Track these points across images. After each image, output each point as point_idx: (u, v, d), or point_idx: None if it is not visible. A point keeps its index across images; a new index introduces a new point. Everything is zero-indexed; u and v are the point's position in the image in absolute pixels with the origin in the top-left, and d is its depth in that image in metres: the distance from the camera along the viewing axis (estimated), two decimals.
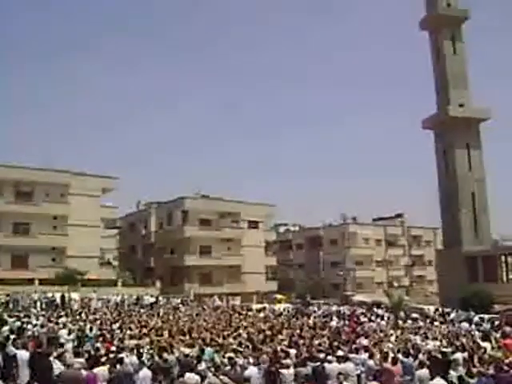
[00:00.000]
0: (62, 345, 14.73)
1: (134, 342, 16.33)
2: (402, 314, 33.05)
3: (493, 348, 15.39)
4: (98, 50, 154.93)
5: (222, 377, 11.30)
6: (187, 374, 11.36)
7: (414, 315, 32.41)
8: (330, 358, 13.35)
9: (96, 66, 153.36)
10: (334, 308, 41.75)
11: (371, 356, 13.70)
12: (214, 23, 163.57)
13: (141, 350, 14.22)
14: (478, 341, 16.56)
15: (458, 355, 13.43)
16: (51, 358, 12.51)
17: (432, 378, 10.96)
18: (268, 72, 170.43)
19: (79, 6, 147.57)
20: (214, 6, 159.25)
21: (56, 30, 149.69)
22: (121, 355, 13.02)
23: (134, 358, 12.99)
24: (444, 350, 14.75)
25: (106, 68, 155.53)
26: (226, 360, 13.21)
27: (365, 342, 16.67)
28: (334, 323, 26.50)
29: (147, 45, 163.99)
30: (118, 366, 11.88)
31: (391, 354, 13.52)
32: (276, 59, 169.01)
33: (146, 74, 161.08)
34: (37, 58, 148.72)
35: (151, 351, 14.79)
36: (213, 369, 12.27)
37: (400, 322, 27.32)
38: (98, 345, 15.97)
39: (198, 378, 11.22)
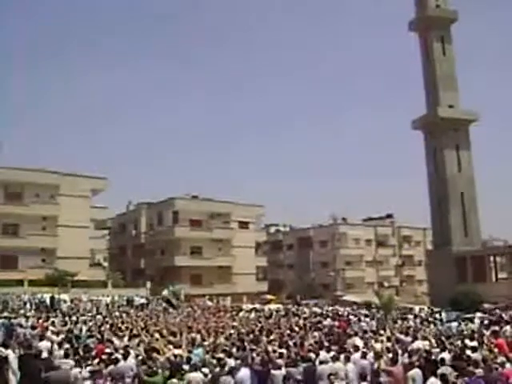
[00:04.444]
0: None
1: (124, 343, 16.32)
2: (391, 313, 33.16)
3: (482, 347, 15.47)
4: (95, 48, 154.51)
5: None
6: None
7: (404, 315, 32.51)
8: (321, 358, 13.40)
9: (92, 65, 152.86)
10: (325, 308, 41.84)
11: (363, 356, 13.74)
12: (213, 23, 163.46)
13: (130, 351, 14.19)
14: (467, 341, 16.64)
15: (446, 355, 13.50)
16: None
17: (426, 379, 11.04)
18: (262, 71, 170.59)
19: (79, 5, 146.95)
20: (215, 5, 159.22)
21: (51, 30, 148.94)
22: (115, 355, 13.05)
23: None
24: (432, 349, 14.82)
25: (103, 67, 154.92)
26: (214, 361, 13.24)
27: (357, 341, 16.71)
28: (325, 323, 26.53)
29: (144, 44, 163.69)
30: (111, 367, 11.89)
31: (388, 355, 13.57)
32: (270, 58, 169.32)
33: (142, 72, 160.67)
34: (31, 57, 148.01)
35: (141, 352, 14.75)
36: (204, 369, 12.30)
37: (390, 322, 27.39)
38: (90, 346, 15.95)
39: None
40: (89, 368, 11.69)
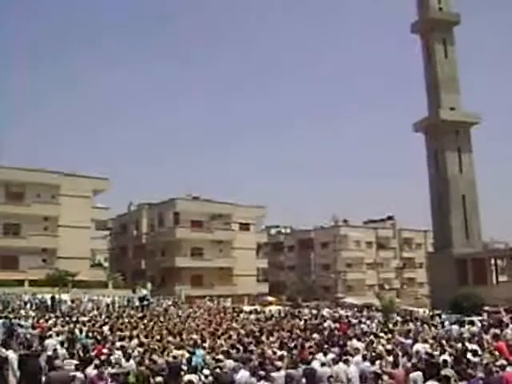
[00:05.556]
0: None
1: (123, 343, 16.32)
2: (392, 316, 33.12)
3: (483, 350, 15.45)
4: (95, 48, 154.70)
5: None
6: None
7: (405, 317, 32.46)
8: (322, 360, 13.38)
9: (92, 65, 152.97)
10: (325, 310, 41.82)
11: (364, 358, 13.71)
12: (213, 23, 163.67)
13: (129, 352, 14.21)
14: (467, 343, 16.63)
15: (447, 357, 13.48)
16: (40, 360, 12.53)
17: (425, 381, 11.02)
18: (262, 72, 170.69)
19: (79, 5, 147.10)
20: (214, 5, 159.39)
21: (51, 30, 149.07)
22: (116, 356, 13.08)
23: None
24: (432, 352, 14.80)
25: (103, 67, 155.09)
26: (214, 362, 13.25)
27: (357, 344, 16.69)
28: (325, 325, 26.54)
29: (144, 44, 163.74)
30: (114, 368, 11.91)
31: (389, 358, 13.56)
32: (270, 58, 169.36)
33: (142, 72, 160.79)
34: (31, 57, 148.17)
35: (141, 353, 14.75)
36: (205, 371, 12.31)
37: (390, 325, 27.37)
38: (89, 347, 15.98)
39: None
40: (93, 370, 11.68)
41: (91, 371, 11.58)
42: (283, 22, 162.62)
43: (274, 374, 12.06)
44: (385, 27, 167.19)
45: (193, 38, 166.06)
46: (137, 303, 40.63)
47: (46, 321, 24.19)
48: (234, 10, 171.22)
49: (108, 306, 38.82)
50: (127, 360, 13.08)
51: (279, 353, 14.80)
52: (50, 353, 15.55)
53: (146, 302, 40.73)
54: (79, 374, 11.36)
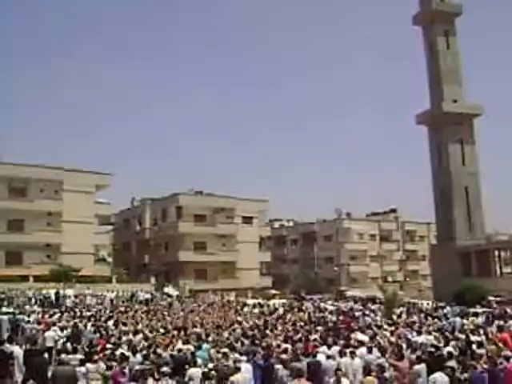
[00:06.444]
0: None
1: (128, 338, 16.38)
2: (396, 308, 33.11)
3: (488, 342, 15.46)
4: (93, 45, 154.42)
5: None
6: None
7: (408, 310, 32.48)
8: (327, 353, 13.38)
9: (91, 62, 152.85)
10: (329, 303, 41.87)
11: (369, 351, 13.71)
12: (212, 23, 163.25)
13: (135, 346, 14.26)
14: (471, 335, 16.65)
15: (451, 349, 13.50)
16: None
17: (430, 373, 11.03)
18: (265, 64, 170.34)
19: (78, 4, 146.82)
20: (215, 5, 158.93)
21: (51, 28, 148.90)
22: (123, 351, 13.14)
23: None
24: (437, 344, 14.81)
25: (101, 63, 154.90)
26: (220, 355, 13.27)
27: (362, 337, 16.69)
28: (329, 318, 26.57)
29: (142, 39, 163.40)
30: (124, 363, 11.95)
31: (390, 349, 13.57)
32: (268, 59, 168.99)
33: (144, 67, 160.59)
34: (29, 55, 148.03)
35: (146, 347, 14.79)
36: (210, 364, 12.35)
37: (394, 317, 27.39)
38: (94, 341, 16.04)
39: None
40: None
41: (97, 366, 11.65)
42: (283, 21, 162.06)
43: (278, 366, 12.11)
44: (387, 22, 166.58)
45: (193, 38, 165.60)
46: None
47: (51, 316, 24.25)
48: (235, 10, 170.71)
49: (112, 300, 38.90)
50: (134, 354, 13.13)
51: (284, 346, 14.82)
52: (49, 344, 15.65)
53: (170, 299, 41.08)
54: (82, 369, 11.45)
